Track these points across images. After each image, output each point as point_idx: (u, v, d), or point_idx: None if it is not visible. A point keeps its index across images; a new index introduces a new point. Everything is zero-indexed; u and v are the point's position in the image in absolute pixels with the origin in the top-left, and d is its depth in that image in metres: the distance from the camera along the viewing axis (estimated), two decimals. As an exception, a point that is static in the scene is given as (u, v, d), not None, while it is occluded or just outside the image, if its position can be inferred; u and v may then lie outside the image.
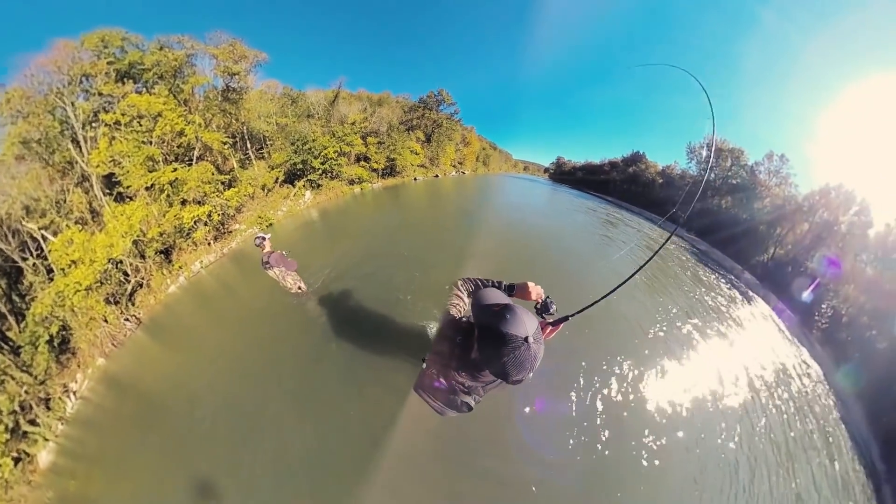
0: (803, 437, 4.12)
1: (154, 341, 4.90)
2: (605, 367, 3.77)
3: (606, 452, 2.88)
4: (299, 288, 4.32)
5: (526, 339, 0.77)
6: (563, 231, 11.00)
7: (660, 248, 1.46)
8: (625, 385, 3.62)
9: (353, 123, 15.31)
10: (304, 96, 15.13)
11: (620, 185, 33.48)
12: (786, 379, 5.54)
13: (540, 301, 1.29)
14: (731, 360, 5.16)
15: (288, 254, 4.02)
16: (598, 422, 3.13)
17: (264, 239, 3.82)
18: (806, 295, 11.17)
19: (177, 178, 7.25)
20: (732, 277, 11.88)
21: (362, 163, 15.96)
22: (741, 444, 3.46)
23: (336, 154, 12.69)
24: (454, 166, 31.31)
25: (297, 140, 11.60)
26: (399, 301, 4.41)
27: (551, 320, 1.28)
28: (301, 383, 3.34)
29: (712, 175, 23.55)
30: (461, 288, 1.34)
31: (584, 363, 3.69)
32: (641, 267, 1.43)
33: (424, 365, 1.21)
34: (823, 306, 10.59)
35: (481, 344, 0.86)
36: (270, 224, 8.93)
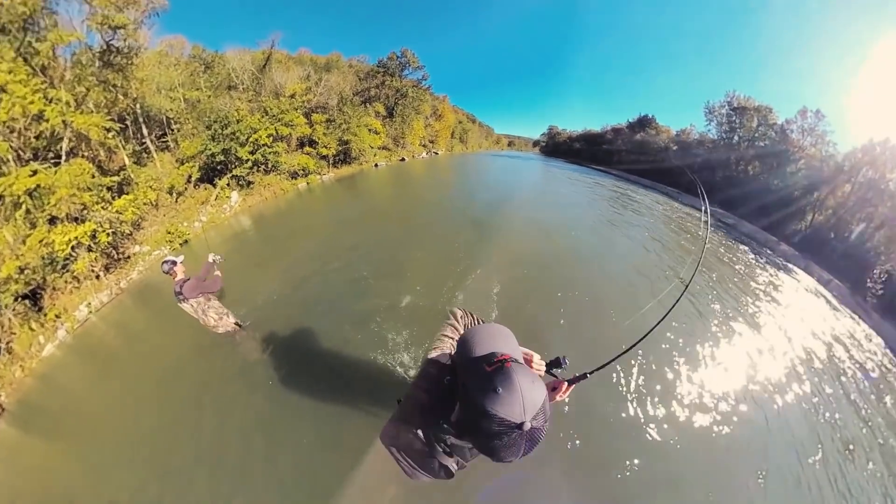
0: (876, 418, 4.52)
1: (28, 435, 4.23)
2: (639, 370, 4.07)
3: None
4: (236, 324, 4.09)
5: (520, 426, 0.69)
6: (579, 234, 9.83)
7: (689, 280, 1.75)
8: (667, 393, 3.92)
9: (292, 96, 14.62)
10: (222, 60, 14.16)
11: (627, 155, 34.94)
12: (846, 356, 6.13)
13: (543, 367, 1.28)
14: (781, 342, 5.60)
15: (214, 266, 3.80)
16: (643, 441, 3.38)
17: (174, 263, 3.55)
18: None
19: (39, 186, 6.32)
20: (767, 250, 13.15)
21: (307, 149, 15.45)
22: (809, 450, 3.75)
23: (271, 139, 12.11)
24: (424, 146, 31.21)
25: (216, 122, 10.79)
26: (364, 330, 4.36)
27: (566, 378, 1.28)
28: (246, 458, 3.21)
29: (735, 137, 25.07)
30: (459, 320, 1.34)
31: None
32: (670, 309, 1.64)
33: (398, 408, 1.12)
34: (875, 271, 11.53)
35: (465, 412, 0.81)
36: (185, 241, 8.25)
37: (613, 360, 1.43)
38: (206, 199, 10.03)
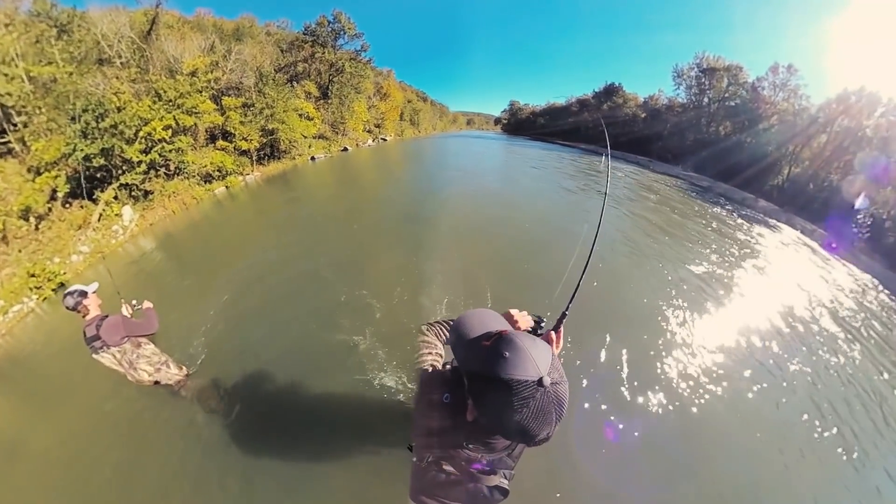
0: (879, 359, 5.27)
1: None
2: (642, 351, 4.48)
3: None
4: (186, 375, 3.69)
5: (540, 382, 0.74)
6: (532, 202, 11.88)
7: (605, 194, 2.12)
8: (673, 363, 4.37)
9: (193, 74, 13.11)
10: (84, 21, 12.26)
11: (594, 127, 37.85)
12: (841, 300, 7.14)
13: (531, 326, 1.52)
14: (776, 297, 6.38)
15: (134, 309, 3.29)
16: (668, 419, 3.67)
17: (84, 294, 2.93)
18: (860, 202, 14.27)
19: None
20: (746, 209, 14.87)
21: (221, 143, 14.35)
22: (819, 392, 4.31)
23: (169, 132, 10.83)
24: (369, 131, 30.45)
25: (86, 110, 9.23)
26: (340, 356, 4.24)
27: (551, 328, 1.47)
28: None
29: (705, 99, 28.96)
30: (427, 332, 1.41)
31: (607, 356, 4.32)
32: (598, 230, 1.88)
33: (414, 455, 1.15)
34: (859, 216, 13.91)
35: (478, 400, 0.85)
36: (61, 284, 6.92)
37: (577, 287, 1.64)
38: (86, 220, 8.54)
